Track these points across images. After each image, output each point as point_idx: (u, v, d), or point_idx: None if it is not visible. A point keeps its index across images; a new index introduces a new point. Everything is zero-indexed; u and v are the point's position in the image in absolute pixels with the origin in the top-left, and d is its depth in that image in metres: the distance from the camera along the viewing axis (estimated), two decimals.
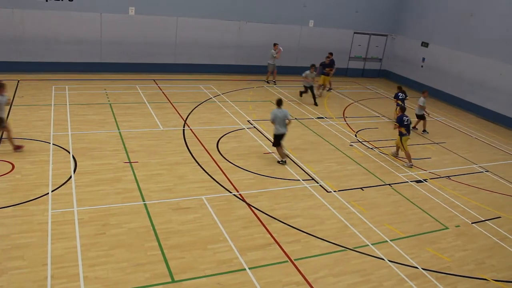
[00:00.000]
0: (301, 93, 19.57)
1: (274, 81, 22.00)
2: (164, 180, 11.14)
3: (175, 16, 20.72)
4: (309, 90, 19.14)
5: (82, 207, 9.51)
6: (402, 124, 13.81)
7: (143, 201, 10.05)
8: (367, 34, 25.86)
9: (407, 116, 14.03)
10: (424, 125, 17.52)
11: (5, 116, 11.71)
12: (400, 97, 17.77)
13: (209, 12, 21.18)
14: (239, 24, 22.08)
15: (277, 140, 12.69)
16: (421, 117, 17.27)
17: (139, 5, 19.89)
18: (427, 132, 17.47)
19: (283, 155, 12.95)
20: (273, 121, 12.55)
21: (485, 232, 10.82)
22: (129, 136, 13.46)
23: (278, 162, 12.94)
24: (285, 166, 12.81)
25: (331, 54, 21.34)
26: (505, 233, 10.91)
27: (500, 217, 11.72)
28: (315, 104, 19.01)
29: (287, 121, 12.62)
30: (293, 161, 13.20)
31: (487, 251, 10.07)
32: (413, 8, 25.33)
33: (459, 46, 22.51)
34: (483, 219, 11.45)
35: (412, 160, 14.10)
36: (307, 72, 18.80)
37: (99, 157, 11.90)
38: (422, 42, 24.74)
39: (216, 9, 21.30)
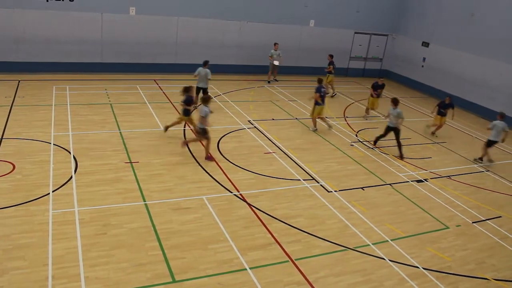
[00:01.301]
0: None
1: (276, 79, 22.02)
2: (165, 180, 11.15)
3: (176, 16, 20.74)
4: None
5: (82, 207, 9.52)
6: (320, 95, 15.73)
7: (144, 201, 10.06)
8: (368, 34, 25.86)
9: (323, 88, 16.04)
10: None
11: None
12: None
13: (209, 12, 21.20)
14: (239, 24, 22.09)
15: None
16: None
17: (140, 5, 19.91)
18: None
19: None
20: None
21: (486, 232, 10.82)
22: (129, 136, 13.46)
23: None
24: (286, 166, 12.81)
25: (331, 56, 21.26)
26: (506, 233, 10.90)
27: (500, 216, 11.72)
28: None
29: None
30: (293, 161, 13.21)
31: (487, 250, 10.07)
32: (414, 8, 25.32)
33: (459, 46, 22.49)
34: (484, 219, 11.44)
35: (316, 126, 16.11)
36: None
37: (100, 157, 11.91)
38: (423, 42, 24.73)
39: (217, 9, 21.32)
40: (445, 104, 17.09)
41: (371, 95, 18.33)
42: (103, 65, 20.15)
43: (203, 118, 12.21)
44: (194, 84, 15.25)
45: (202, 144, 13.06)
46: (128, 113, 15.41)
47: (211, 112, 12.49)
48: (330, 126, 16.19)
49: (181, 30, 21.02)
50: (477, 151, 16.28)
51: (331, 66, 20.92)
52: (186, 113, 13.41)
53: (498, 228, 11.07)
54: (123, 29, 19.98)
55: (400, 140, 14.67)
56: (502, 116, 15.06)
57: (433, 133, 17.51)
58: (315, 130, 16.08)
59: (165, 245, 8.64)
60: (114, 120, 14.60)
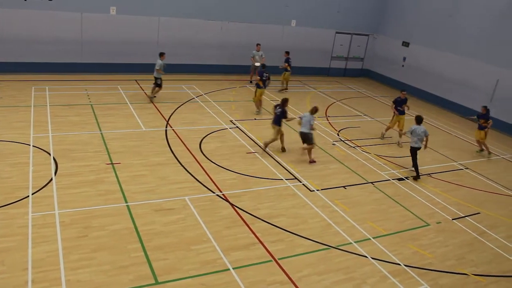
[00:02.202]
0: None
1: (251, 81, 22.01)
2: (147, 181, 11.08)
3: (157, 16, 20.61)
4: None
5: (63, 209, 9.40)
6: (261, 78, 16.91)
7: (126, 202, 9.98)
8: (349, 34, 26.05)
9: (267, 73, 17.09)
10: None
11: None
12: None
13: (191, 12, 21.12)
14: (221, 24, 22.05)
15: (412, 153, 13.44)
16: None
17: (121, 5, 19.74)
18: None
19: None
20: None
21: (465, 228, 11.00)
22: (111, 137, 13.34)
23: None
24: (268, 165, 12.84)
25: (287, 53, 21.41)
26: (484, 229, 11.10)
27: (479, 213, 11.92)
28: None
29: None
30: (276, 161, 13.24)
31: (467, 246, 10.25)
32: (394, 8, 25.61)
33: (438, 46, 22.82)
34: (463, 215, 11.63)
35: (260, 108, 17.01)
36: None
37: (81, 159, 11.78)
38: (403, 42, 25.02)
39: (199, 9, 21.25)
40: (402, 100, 16.01)
41: (394, 113, 16.20)
42: (83, 65, 19.92)
43: (310, 125, 13.04)
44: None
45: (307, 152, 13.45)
46: (109, 114, 15.27)
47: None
48: (258, 112, 17.14)
49: (162, 30, 20.90)
50: (457, 149, 16.57)
51: (287, 64, 21.13)
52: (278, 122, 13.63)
53: (477, 224, 11.26)
54: (103, 29, 19.78)
55: (417, 161, 13.44)
56: (419, 121, 13.48)
57: (383, 135, 16.54)
58: (257, 113, 17.12)
59: (147, 246, 8.59)
60: (95, 121, 14.45)
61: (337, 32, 25.52)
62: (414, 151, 13.39)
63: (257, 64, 21.32)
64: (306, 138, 13.22)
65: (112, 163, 11.73)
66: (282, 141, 13.92)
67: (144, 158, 12.28)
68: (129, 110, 15.92)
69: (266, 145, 13.61)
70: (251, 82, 21.90)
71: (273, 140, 13.65)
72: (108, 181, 10.82)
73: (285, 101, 13.74)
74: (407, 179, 13.28)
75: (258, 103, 17.28)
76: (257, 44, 21.38)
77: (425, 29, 23.56)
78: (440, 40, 22.69)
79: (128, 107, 16.22)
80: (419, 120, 13.38)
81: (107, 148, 12.59)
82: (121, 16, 19.89)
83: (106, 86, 18.55)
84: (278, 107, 13.70)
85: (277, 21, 23.41)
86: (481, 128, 15.95)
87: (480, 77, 20.70)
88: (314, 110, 13.40)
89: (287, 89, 21.48)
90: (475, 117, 16.37)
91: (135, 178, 11.12)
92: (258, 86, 17.09)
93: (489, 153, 16.21)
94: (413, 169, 13.55)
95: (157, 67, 16.77)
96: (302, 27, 24.18)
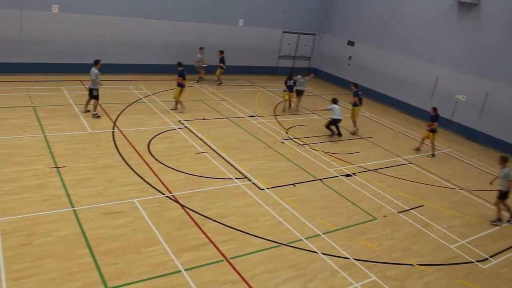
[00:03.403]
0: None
1: (198, 80, 21.88)
2: (94, 185, 10.79)
3: (102, 14, 20.05)
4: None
5: (5, 217, 8.99)
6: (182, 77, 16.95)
7: (72, 207, 9.68)
8: (296, 33, 26.40)
9: (185, 71, 17.17)
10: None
11: None
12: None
13: (137, 10, 20.69)
14: (168, 23, 21.76)
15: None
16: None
17: (64, 3, 19.04)
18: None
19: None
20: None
21: (410, 221, 11.45)
22: (55, 140, 12.88)
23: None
24: (218, 165, 12.83)
25: (221, 52, 21.76)
26: (428, 220, 11.61)
27: (423, 205, 12.44)
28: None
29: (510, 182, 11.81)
30: (225, 160, 13.25)
31: (412, 237, 10.67)
32: (339, 8, 26.20)
33: (382, 45, 23.57)
34: (408, 208, 12.10)
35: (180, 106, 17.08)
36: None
37: (23, 163, 11.30)
38: (348, 41, 25.66)
39: (145, 8, 20.85)
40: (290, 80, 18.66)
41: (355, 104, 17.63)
42: (23, 65, 19.06)
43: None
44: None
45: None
46: (53, 116, 14.73)
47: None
48: (176, 108, 17.13)
49: (107, 29, 20.36)
50: (401, 145, 17.18)
51: (222, 64, 21.58)
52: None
53: (421, 217, 11.75)
54: (45, 27, 18.99)
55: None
56: (335, 101, 16.71)
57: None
58: (180, 111, 17.10)
59: (96, 251, 8.38)
60: (38, 124, 13.90)
61: (284, 32, 25.81)
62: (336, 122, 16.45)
63: (204, 65, 21.27)
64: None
65: (56, 167, 11.33)
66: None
67: (90, 161, 11.95)
68: (74, 111, 15.43)
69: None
70: (197, 81, 21.72)
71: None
72: (53, 185, 10.45)
73: None
74: (355, 175, 13.65)
75: (177, 101, 17.24)
76: (201, 48, 21.28)
77: (369, 28, 24.27)
78: (384, 40, 23.44)
79: (73, 108, 15.71)
80: (335, 101, 16.70)
81: (51, 152, 12.15)
82: (64, 15, 19.19)
83: (50, 87, 17.86)
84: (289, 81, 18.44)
85: (225, 20, 23.37)
86: (432, 131, 16.15)
87: (422, 75, 21.57)
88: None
89: (220, 83, 22.00)
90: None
91: (81, 182, 10.81)
92: (179, 85, 16.89)
93: (433, 154, 16.56)
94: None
95: (92, 77, 14.88)
96: (250, 26, 24.27)
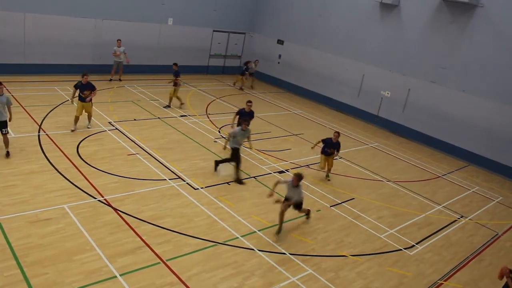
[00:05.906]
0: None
1: (120, 79, 21.22)
2: (19, 192, 10.15)
3: (22, 12, 18.86)
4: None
5: None
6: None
7: None
8: (226, 32, 26.40)
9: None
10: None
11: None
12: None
13: (60, 8, 19.65)
14: (94, 22, 20.97)
15: None
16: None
17: None
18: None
19: None
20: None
21: (342, 213, 11.81)
22: None
23: None
24: (151, 166, 12.54)
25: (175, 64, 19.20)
26: (359, 212, 12.03)
27: (353, 198, 12.88)
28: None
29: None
30: (158, 161, 12.98)
31: (344, 230, 11.02)
32: (268, 7, 26.51)
33: (310, 44, 24.14)
34: (340, 202, 12.47)
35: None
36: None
37: None
38: (278, 40, 26.03)
39: (69, 5, 19.89)
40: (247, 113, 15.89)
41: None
42: None
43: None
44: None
45: None
46: None
47: None
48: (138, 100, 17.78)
49: (29, 27, 19.17)
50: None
51: (176, 77, 20.96)
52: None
53: (352, 209, 12.16)
54: None
55: None
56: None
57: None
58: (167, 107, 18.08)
59: (23, 262, 7.88)
60: None
61: (214, 31, 25.71)
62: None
63: (120, 60, 20.59)
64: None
65: None
66: None
67: (14, 167, 11.23)
68: None
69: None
70: (110, 80, 20.94)
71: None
72: None
73: None
74: (288, 171, 13.86)
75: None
76: (118, 40, 20.59)
77: (297, 27, 24.77)
78: (311, 38, 24.03)
79: None
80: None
81: None
82: None
83: None
84: None
85: (154, 19, 22.88)
86: (327, 154, 13.67)
87: (349, 73, 22.33)
88: None
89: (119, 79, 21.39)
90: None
91: (5, 189, 10.13)
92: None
93: (328, 176, 14.07)
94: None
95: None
96: (179, 25, 23.94)
